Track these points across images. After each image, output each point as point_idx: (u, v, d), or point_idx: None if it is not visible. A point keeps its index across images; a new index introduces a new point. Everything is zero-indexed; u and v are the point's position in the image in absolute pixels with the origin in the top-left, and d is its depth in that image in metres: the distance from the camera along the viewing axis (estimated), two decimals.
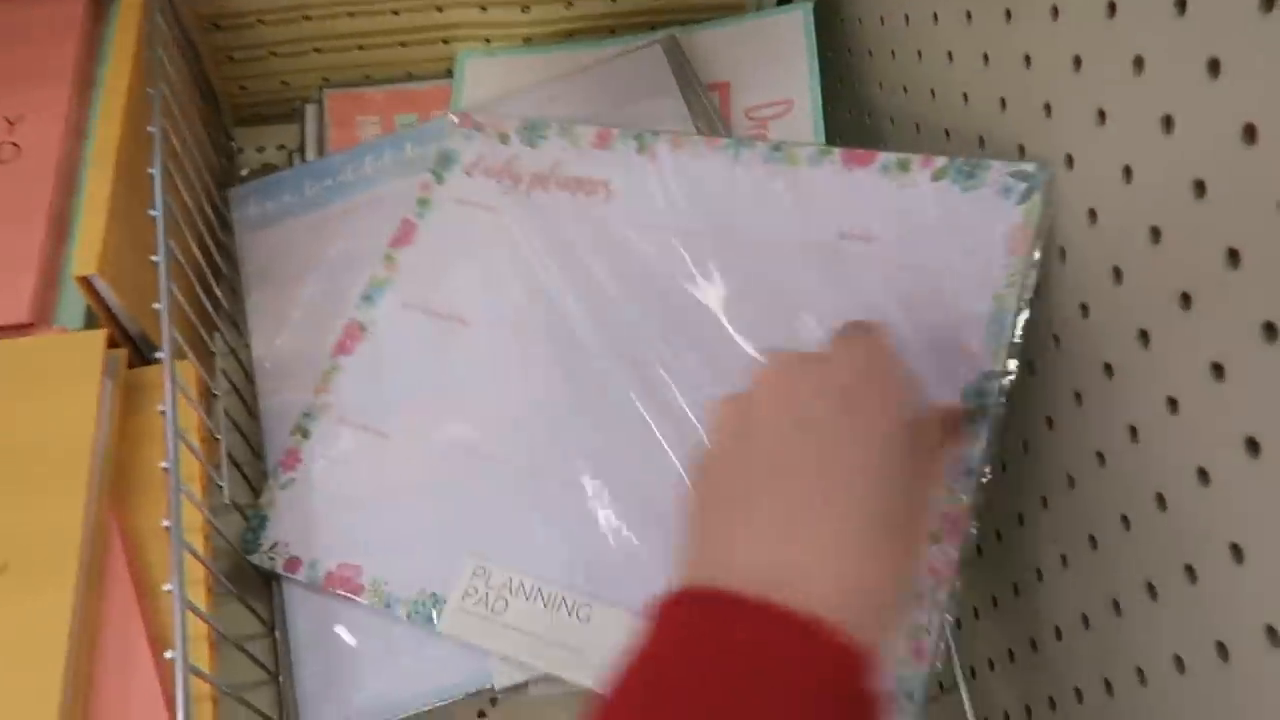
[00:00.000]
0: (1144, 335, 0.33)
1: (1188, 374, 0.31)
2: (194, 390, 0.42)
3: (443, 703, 0.41)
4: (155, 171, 0.41)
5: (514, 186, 0.50)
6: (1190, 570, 0.32)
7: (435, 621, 0.41)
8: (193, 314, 0.42)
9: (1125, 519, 0.35)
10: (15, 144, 0.47)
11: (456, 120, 0.53)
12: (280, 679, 0.42)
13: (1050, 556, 0.40)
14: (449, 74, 0.60)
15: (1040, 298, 0.38)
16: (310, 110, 0.60)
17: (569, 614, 0.41)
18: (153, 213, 0.40)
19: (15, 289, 0.42)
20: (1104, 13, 0.32)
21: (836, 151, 0.44)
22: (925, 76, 0.47)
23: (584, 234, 0.48)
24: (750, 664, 0.26)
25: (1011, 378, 0.38)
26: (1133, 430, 0.34)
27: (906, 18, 0.48)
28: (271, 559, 0.44)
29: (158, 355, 0.37)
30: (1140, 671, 0.35)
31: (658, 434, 0.43)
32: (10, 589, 0.35)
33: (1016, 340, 0.38)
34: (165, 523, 0.33)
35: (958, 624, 0.46)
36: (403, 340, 0.47)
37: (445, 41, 0.60)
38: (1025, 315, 0.38)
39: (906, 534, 0.30)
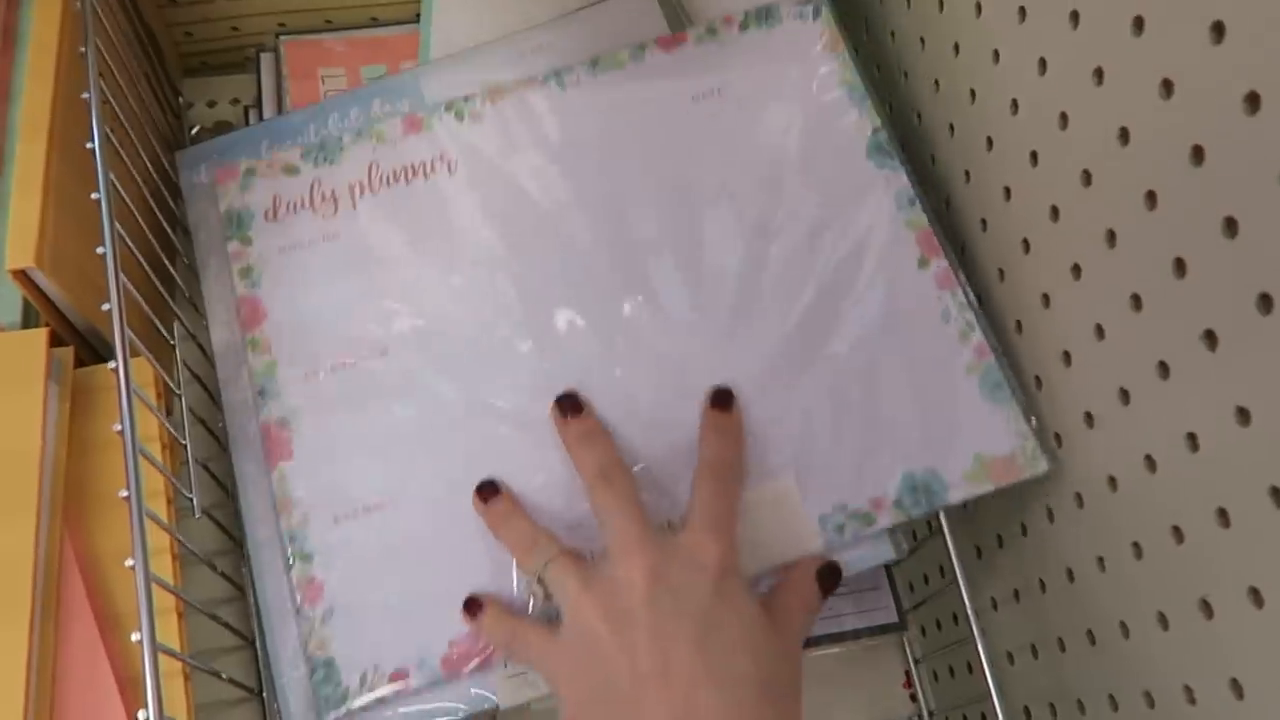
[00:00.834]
0: (1135, 299, 0.32)
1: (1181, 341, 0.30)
2: (153, 392, 0.38)
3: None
4: (95, 146, 0.36)
5: (334, 207, 0.46)
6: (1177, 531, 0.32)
7: (497, 699, 0.38)
8: (147, 307, 0.38)
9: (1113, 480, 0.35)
10: None
11: (218, 177, 0.47)
12: (264, 694, 0.39)
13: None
14: (418, 18, 0.55)
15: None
16: (266, 60, 0.54)
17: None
18: (95, 195, 0.35)
19: None
20: None
21: (651, 41, 0.47)
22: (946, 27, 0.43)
23: (448, 209, 0.45)
24: None
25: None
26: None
27: None
28: (372, 690, 0.38)
29: (110, 365, 0.32)
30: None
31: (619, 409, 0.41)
32: None
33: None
34: (129, 562, 0.29)
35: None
36: (333, 408, 0.42)
37: None
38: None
39: (791, 694, 0.34)
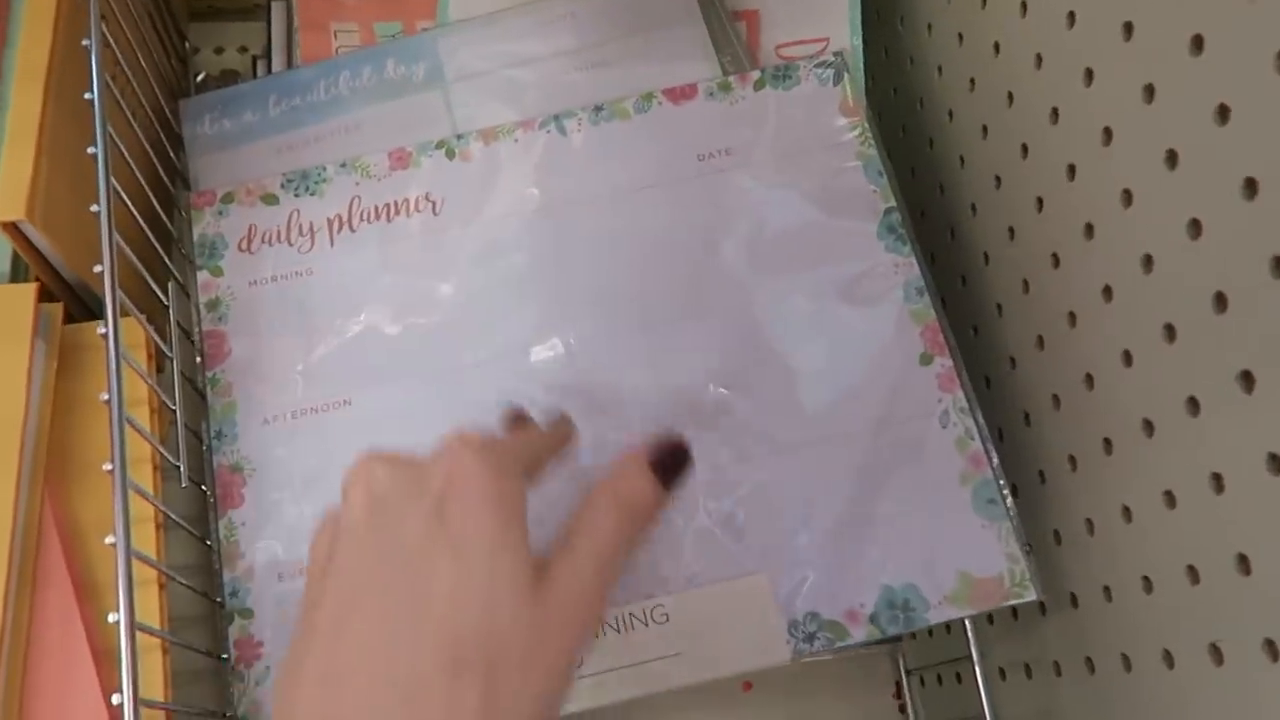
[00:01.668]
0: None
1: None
2: (143, 354, 0.36)
3: None
4: (94, 96, 0.34)
5: (311, 242, 0.43)
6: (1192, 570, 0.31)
7: None
8: (142, 267, 0.36)
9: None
10: None
11: (194, 202, 0.44)
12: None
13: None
14: None
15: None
16: (277, 9, 0.52)
17: (646, 624, 0.37)
18: (92, 150, 0.33)
19: None
20: None
21: (659, 93, 0.45)
22: (988, 25, 0.41)
23: (428, 253, 0.43)
24: None
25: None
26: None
27: None
28: None
29: (100, 331, 0.31)
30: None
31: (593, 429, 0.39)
32: None
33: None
34: (110, 540, 0.28)
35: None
36: (289, 457, 0.40)
37: None
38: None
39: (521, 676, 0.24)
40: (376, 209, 0.44)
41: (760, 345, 0.41)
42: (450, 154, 0.45)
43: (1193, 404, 0.31)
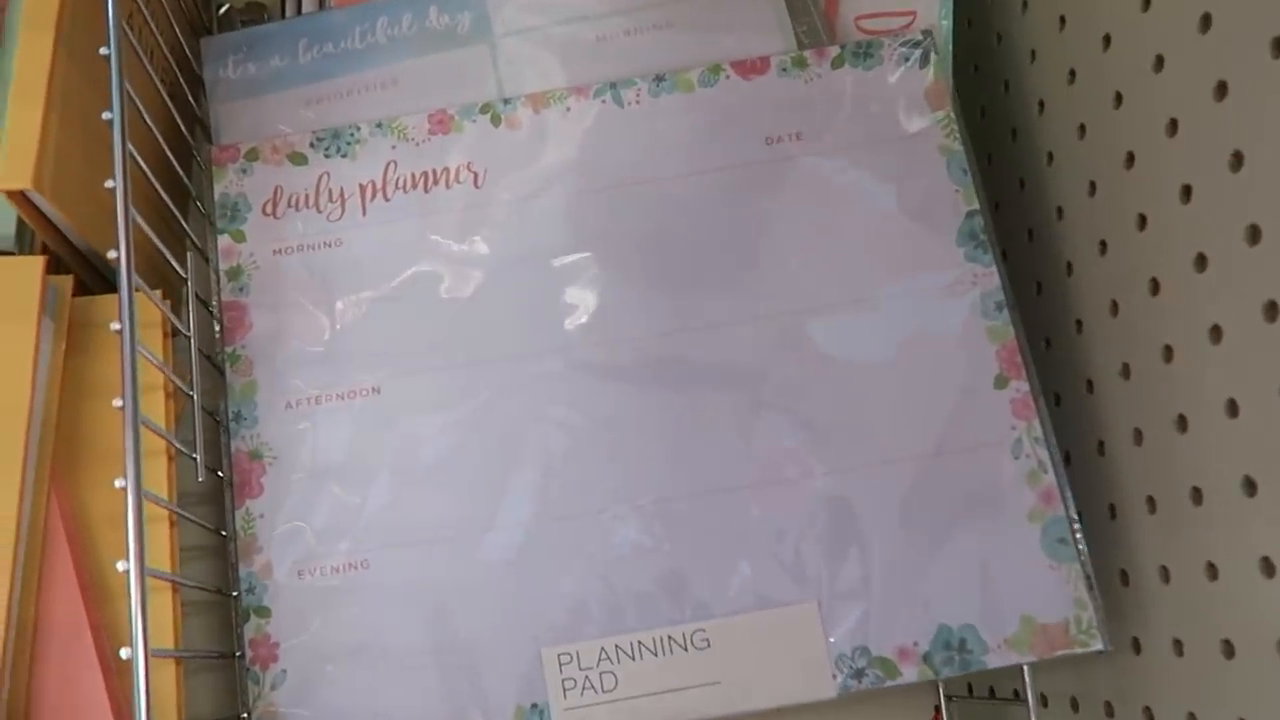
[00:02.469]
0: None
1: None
2: (159, 332, 0.34)
3: None
4: (111, 52, 0.30)
5: (341, 209, 0.40)
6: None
7: None
8: (161, 239, 0.33)
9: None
10: None
11: (216, 157, 0.41)
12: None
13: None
14: None
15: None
16: None
17: (686, 649, 0.35)
18: (107, 115, 0.29)
19: None
20: None
21: (727, 65, 0.41)
22: (1099, 10, 0.37)
23: (468, 227, 0.40)
24: None
25: None
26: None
27: None
28: None
29: (113, 327, 0.28)
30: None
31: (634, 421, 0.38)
32: None
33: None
34: (122, 565, 0.26)
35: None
36: (312, 445, 0.37)
37: None
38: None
39: None
40: (414, 177, 0.41)
41: (820, 357, 0.38)
42: (496, 120, 0.41)
43: None
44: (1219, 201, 0.31)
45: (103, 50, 0.30)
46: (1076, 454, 0.39)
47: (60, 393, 0.32)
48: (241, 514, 0.37)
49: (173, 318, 0.34)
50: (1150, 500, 0.35)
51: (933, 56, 0.41)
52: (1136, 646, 0.36)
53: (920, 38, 0.41)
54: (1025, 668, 0.37)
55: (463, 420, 0.38)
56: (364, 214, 0.40)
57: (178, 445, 0.32)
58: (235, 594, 0.37)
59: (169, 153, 0.36)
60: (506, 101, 0.42)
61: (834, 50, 0.42)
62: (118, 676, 0.30)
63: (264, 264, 0.40)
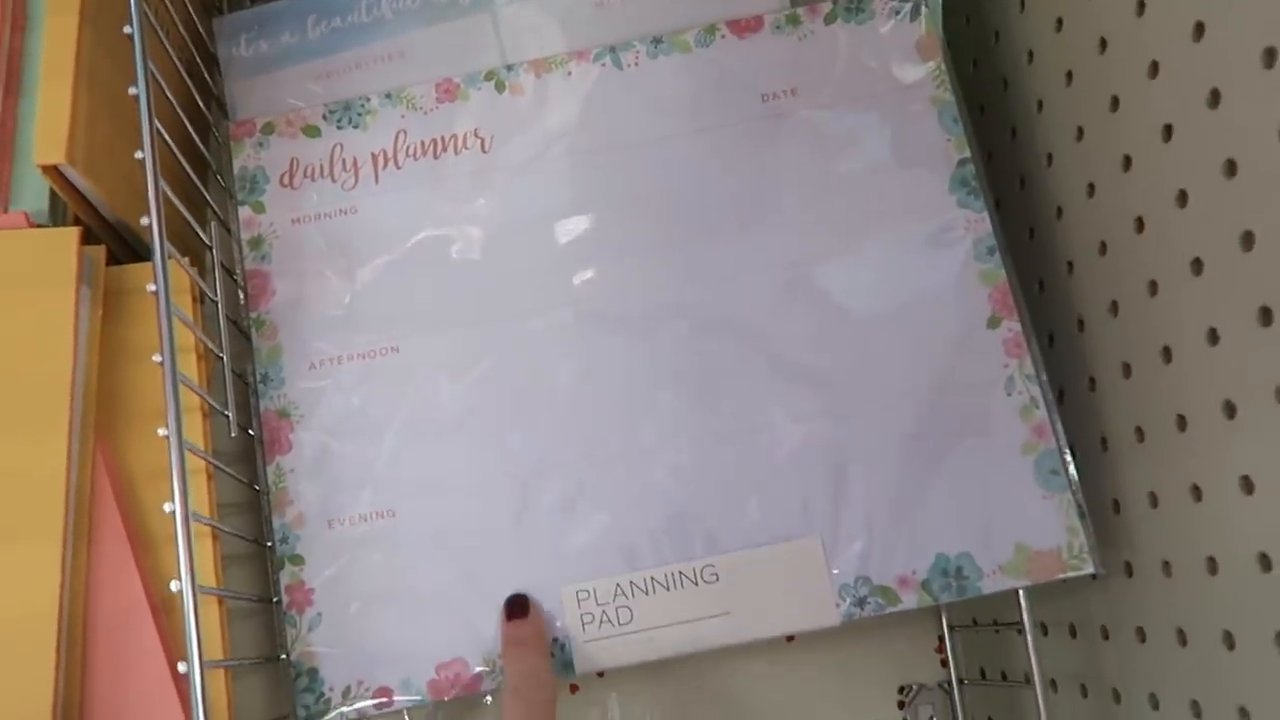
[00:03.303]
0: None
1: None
2: (188, 298, 0.35)
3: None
4: (134, 30, 0.32)
5: (355, 178, 0.41)
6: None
7: (575, 667, 0.37)
8: (185, 209, 0.35)
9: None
10: None
11: (234, 132, 0.43)
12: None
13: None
14: None
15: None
16: None
17: (696, 583, 0.37)
18: (133, 90, 0.31)
19: None
20: None
21: (722, 24, 0.43)
22: None
23: (477, 191, 0.42)
24: None
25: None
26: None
27: None
28: (355, 703, 0.37)
29: (149, 288, 0.30)
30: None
31: (648, 367, 0.40)
32: None
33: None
34: (168, 506, 0.28)
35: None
36: (338, 403, 0.39)
37: None
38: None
39: None
40: (423, 144, 0.42)
41: (819, 301, 0.40)
42: (500, 86, 0.43)
43: None
44: (1248, 106, 0.32)
45: (126, 29, 0.32)
46: (1070, 390, 0.41)
47: (99, 356, 0.34)
48: (273, 469, 0.39)
49: (201, 283, 0.35)
50: (1139, 430, 0.37)
51: (923, 9, 0.43)
52: (1129, 570, 0.38)
53: None
54: (1021, 594, 0.39)
55: (479, 373, 0.40)
56: (377, 182, 0.42)
57: (211, 401, 0.34)
58: (270, 544, 0.39)
59: (189, 127, 0.38)
60: (510, 68, 0.43)
61: (826, 6, 0.43)
62: (165, 615, 0.32)
63: (284, 233, 0.42)
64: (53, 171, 0.32)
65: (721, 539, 0.38)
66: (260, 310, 0.41)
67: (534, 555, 0.38)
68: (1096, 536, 0.38)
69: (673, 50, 0.43)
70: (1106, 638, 0.40)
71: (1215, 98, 0.31)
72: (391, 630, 0.38)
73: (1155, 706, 0.37)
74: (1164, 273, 0.34)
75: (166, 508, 0.27)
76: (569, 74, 0.43)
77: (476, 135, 0.42)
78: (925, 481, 0.38)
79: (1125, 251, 0.37)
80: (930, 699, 0.45)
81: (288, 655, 0.38)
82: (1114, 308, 0.37)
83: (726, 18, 0.43)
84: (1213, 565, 0.33)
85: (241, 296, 0.41)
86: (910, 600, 0.37)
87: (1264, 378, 0.30)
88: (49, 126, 0.31)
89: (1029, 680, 0.39)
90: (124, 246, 0.39)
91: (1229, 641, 0.33)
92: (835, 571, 0.38)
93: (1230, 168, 0.31)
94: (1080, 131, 0.39)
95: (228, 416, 0.35)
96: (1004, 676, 0.45)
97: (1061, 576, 0.37)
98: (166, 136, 0.33)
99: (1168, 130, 0.33)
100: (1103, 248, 0.38)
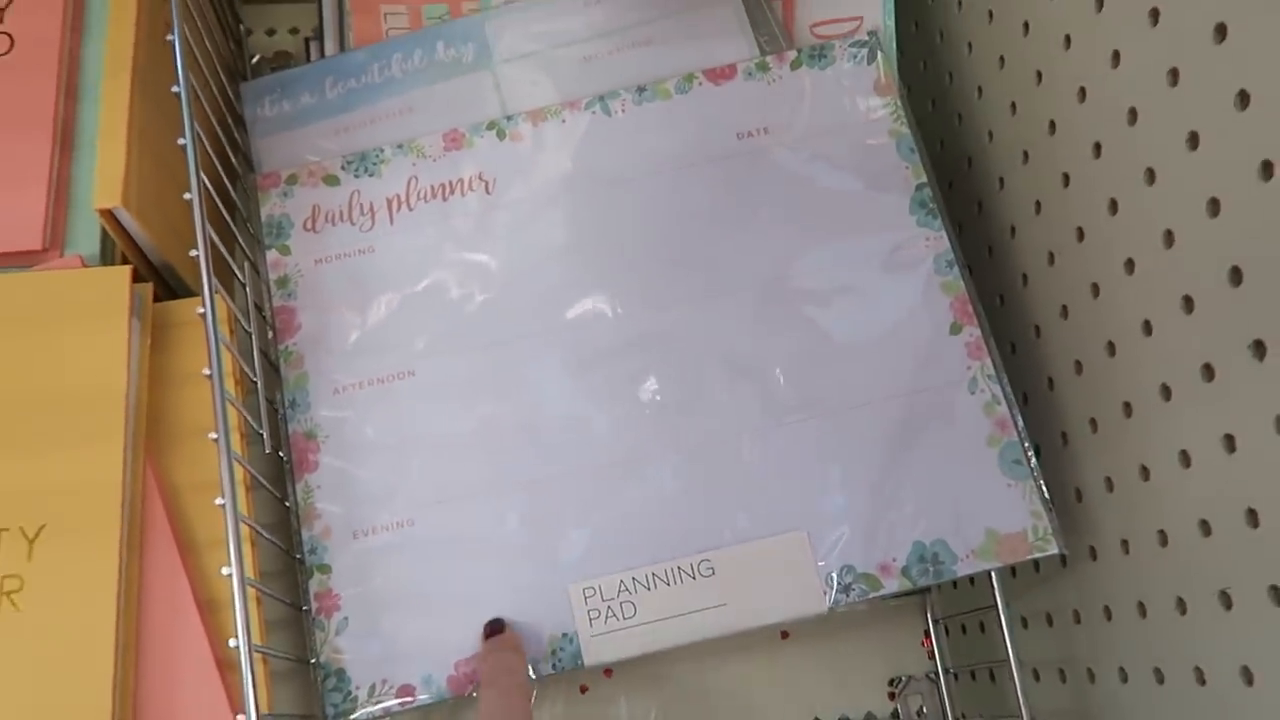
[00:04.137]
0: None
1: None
2: (226, 330, 0.39)
3: None
4: (181, 91, 0.36)
5: (371, 221, 0.46)
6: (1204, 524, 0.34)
7: (583, 659, 0.40)
8: (223, 247, 0.39)
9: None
10: (7, 34, 0.42)
11: (261, 183, 0.47)
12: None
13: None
14: None
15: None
16: None
17: (694, 577, 0.40)
18: (181, 141, 0.35)
19: (25, 210, 0.39)
20: None
21: (699, 73, 0.47)
22: (1019, 7, 0.43)
23: (483, 228, 0.46)
24: None
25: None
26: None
27: None
28: (379, 701, 0.40)
29: (199, 311, 0.34)
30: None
31: (650, 388, 0.44)
32: (50, 552, 0.34)
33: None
34: (219, 500, 0.31)
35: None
36: (359, 424, 0.43)
37: None
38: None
39: None
40: (433, 188, 0.46)
41: (797, 315, 0.44)
42: (501, 134, 0.47)
43: (1208, 370, 0.33)
44: (1160, 121, 0.36)
45: (174, 89, 0.36)
46: (1032, 392, 0.44)
47: (147, 380, 0.38)
48: (301, 486, 0.42)
49: (239, 313, 0.39)
50: (1092, 421, 0.40)
51: (879, 54, 0.47)
52: (1093, 554, 0.41)
53: (867, 38, 0.47)
54: (993, 576, 0.42)
55: (487, 394, 0.44)
56: (391, 223, 0.46)
57: (247, 415, 0.37)
58: (299, 556, 0.42)
59: (224, 178, 0.42)
60: (509, 118, 0.47)
61: (792, 54, 0.48)
62: (210, 613, 0.36)
63: (307, 273, 0.46)
64: (108, 215, 0.36)
65: (715, 536, 0.41)
66: (287, 342, 0.45)
67: (540, 558, 0.42)
68: (1062, 524, 0.42)
69: (655, 97, 0.47)
70: (1078, 621, 0.43)
71: (1133, 115, 0.35)
72: (412, 631, 0.41)
73: (1124, 679, 0.39)
74: (1103, 276, 0.38)
75: (218, 501, 0.31)
76: (563, 121, 0.47)
77: (481, 178, 0.47)
78: (900, 475, 0.41)
79: (1070, 260, 0.41)
80: (919, 689, 0.47)
81: (317, 658, 0.41)
82: (1064, 312, 0.41)
83: (703, 67, 0.48)
84: (1163, 538, 0.37)
85: (270, 331, 0.45)
86: (891, 585, 0.40)
87: (1192, 362, 0.34)
88: (107, 175, 0.36)
89: (1005, 656, 0.42)
90: (164, 286, 0.43)
91: (1181, 607, 0.36)
92: (821, 563, 0.41)
93: (1150, 176, 0.35)
94: (1025, 155, 0.43)
95: (263, 435, 0.39)
96: (991, 675, 0.47)
97: (1029, 557, 0.40)
98: (207, 183, 0.37)
99: (1097, 148, 0.38)
100: (1050, 258, 0.42)
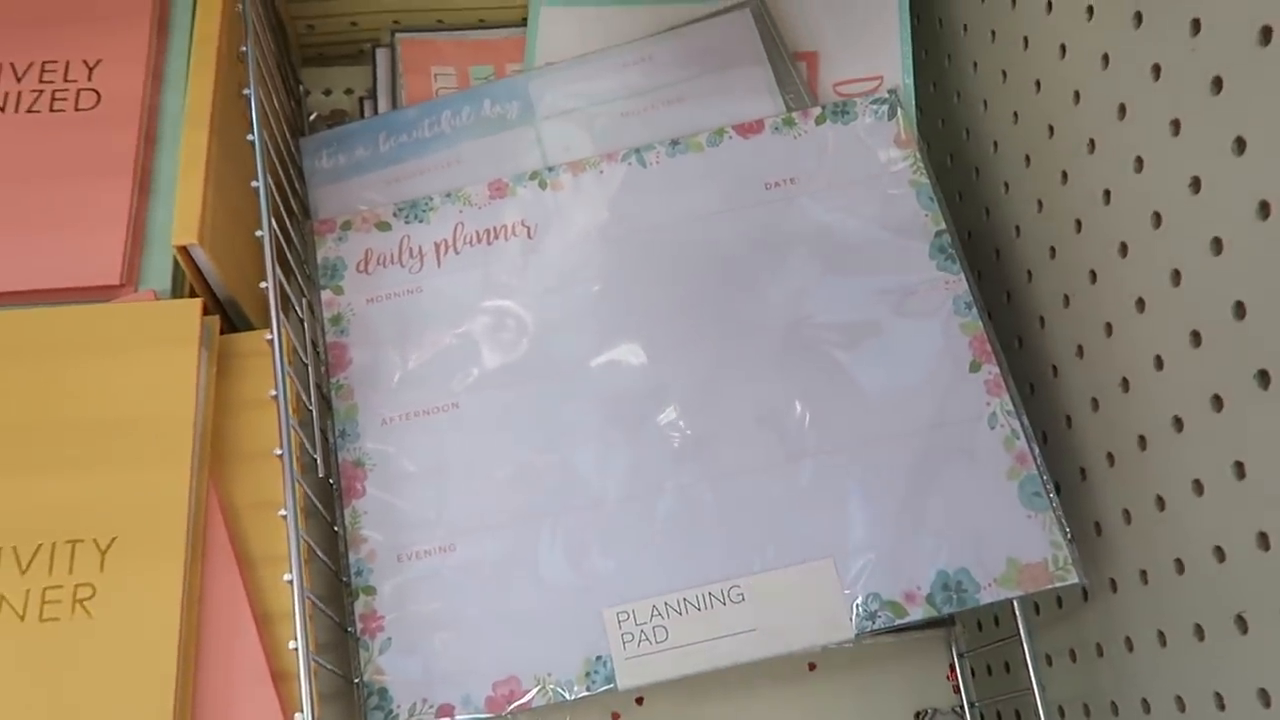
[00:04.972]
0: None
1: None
2: (289, 363, 0.42)
3: None
4: (255, 140, 0.40)
5: (420, 264, 0.49)
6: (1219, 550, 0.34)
7: (617, 682, 0.41)
8: (288, 286, 0.42)
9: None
10: (95, 90, 0.45)
11: (318, 229, 0.50)
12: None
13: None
14: (524, 22, 0.58)
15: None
16: (382, 54, 0.58)
17: (724, 603, 0.42)
18: (255, 184, 0.39)
19: (105, 249, 0.42)
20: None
21: (729, 128, 0.50)
22: (1030, 66, 0.46)
23: (526, 271, 0.49)
24: None
25: None
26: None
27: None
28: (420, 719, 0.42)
29: (267, 337, 0.36)
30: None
31: (676, 429, 0.46)
32: (121, 562, 0.36)
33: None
34: (281, 512, 0.34)
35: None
36: (405, 454, 0.45)
37: None
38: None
39: None
40: (478, 234, 0.49)
41: (822, 354, 0.46)
42: (543, 184, 0.50)
43: (1217, 401, 0.35)
44: (1165, 169, 0.39)
45: (249, 137, 0.39)
46: (1051, 430, 0.46)
47: (214, 408, 0.40)
48: (349, 512, 0.45)
49: (299, 348, 0.42)
50: (1109, 455, 0.42)
51: (899, 110, 0.50)
52: (1113, 586, 0.42)
53: (887, 95, 0.50)
54: (1016, 606, 0.43)
55: (525, 427, 0.46)
56: (439, 266, 0.49)
57: (301, 434, 0.40)
58: (345, 579, 0.44)
59: (288, 222, 0.45)
60: (550, 169, 0.51)
61: (816, 110, 0.51)
62: (265, 626, 0.38)
63: (359, 311, 0.49)
64: (184, 252, 0.39)
65: (745, 563, 0.43)
66: (339, 376, 0.47)
67: (575, 583, 0.43)
68: (1083, 557, 0.43)
69: (688, 150, 0.50)
70: (1101, 654, 0.43)
71: (1139, 163, 0.38)
72: (452, 652, 0.43)
73: (1147, 710, 0.40)
74: (1115, 315, 0.40)
75: (280, 513, 0.33)
76: (601, 172, 0.50)
77: (523, 225, 0.49)
78: (923, 507, 0.43)
79: (1084, 302, 0.43)
80: None
81: (361, 678, 0.42)
82: (1080, 351, 0.43)
83: (733, 122, 0.51)
84: (1179, 566, 0.38)
85: (323, 366, 0.48)
86: (916, 612, 0.42)
87: (1202, 394, 0.35)
88: (185, 215, 0.39)
89: (1029, 688, 0.43)
90: (227, 320, 0.45)
91: (1199, 634, 0.37)
92: (847, 590, 0.42)
93: (1157, 219, 0.37)
94: (1040, 204, 0.45)
95: (316, 460, 0.41)
96: (1017, 715, 0.48)
97: (1050, 587, 0.42)
98: (274, 225, 0.40)
99: (1106, 195, 0.40)
100: (1066, 300, 0.44)
